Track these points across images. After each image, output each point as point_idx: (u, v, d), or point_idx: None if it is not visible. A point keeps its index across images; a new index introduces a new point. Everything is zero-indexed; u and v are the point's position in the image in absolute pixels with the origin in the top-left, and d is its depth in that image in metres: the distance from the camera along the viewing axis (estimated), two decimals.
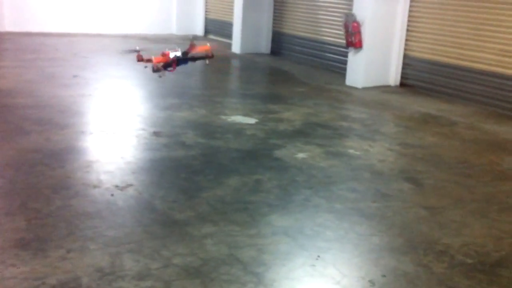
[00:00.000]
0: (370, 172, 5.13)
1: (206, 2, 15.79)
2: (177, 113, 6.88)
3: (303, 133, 6.31)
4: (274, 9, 12.87)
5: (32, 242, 3.45)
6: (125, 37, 14.40)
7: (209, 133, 6.12)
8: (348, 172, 5.12)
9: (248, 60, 11.98)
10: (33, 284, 2.99)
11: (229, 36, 13.67)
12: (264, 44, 13.00)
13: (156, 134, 5.95)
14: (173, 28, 15.80)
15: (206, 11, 15.82)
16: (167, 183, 4.61)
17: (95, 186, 4.41)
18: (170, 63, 5.20)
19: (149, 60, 5.36)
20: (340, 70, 10.35)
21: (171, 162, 5.12)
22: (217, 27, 15.34)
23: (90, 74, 9.07)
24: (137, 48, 5.61)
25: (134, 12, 15.17)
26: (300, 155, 5.49)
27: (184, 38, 14.90)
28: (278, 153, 5.53)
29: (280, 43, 12.81)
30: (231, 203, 4.24)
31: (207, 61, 5.24)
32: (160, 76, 5.02)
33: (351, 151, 5.75)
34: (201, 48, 5.38)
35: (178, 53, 5.19)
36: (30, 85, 8.01)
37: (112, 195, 4.26)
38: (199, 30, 15.89)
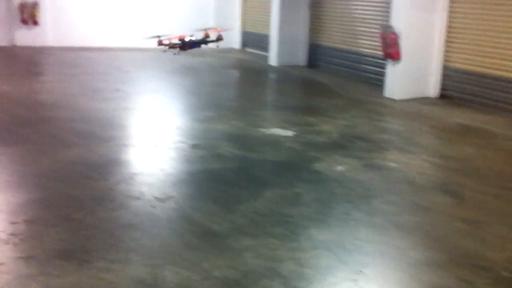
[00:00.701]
0: (410, 185, 5.08)
1: (243, 15, 15.93)
2: (214, 126, 6.96)
3: (341, 146, 6.29)
4: (311, 21, 12.89)
5: (76, 253, 3.53)
6: (163, 51, 14.62)
7: (247, 146, 6.16)
8: (387, 185, 5.08)
9: (285, 73, 12.02)
10: None
11: (265, 48, 13.74)
12: (301, 57, 13.02)
13: (194, 146, 6.02)
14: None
15: (243, 24, 15.96)
16: (206, 195, 4.66)
17: (136, 198, 4.49)
18: (184, 44, 5.56)
19: (166, 43, 5.74)
20: (377, 82, 10.28)
21: (209, 175, 5.17)
22: (254, 40, 15.44)
23: (131, 88, 9.26)
24: (159, 35, 5.98)
25: (172, 26, 15.36)
26: (339, 168, 5.47)
27: (219, 51, 15.08)
28: (316, 166, 5.53)
29: (316, 55, 12.81)
30: (270, 216, 4.25)
31: (217, 45, 5.51)
32: (174, 54, 5.33)
33: (390, 164, 5.70)
34: (213, 30, 5.71)
35: (193, 38, 5.56)
36: (73, 98, 8.23)
37: (153, 207, 4.33)
38: (236, 43, 16.02)
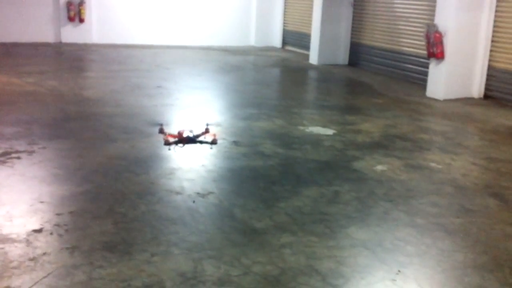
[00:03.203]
0: (453, 187, 4.99)
1: (284, 14, 15.92)
2: (255, 123, 6.99)
3: (382, 145, 6.23)
4: (353, 20, 12.80)
5: (118, 245, 3.61)
6: (206, 49, 14.77)
7: (287, 144, 6.17)
8: (429, 186, 5.01)
9: (326, 71, 11.97)
10: (119, 285, 3.13)
11: (306, 47, 13.71)
12: (342, 55, 12.94)
13: (235, 143, 6.06)
14: (252, 40, 16.05)
15: (284, 23, 15.96)
16: (246, 192, 4.69)
17: (177, 193, 4.56)
18: (181, 140, 5.77)
19: (163, 133, 5.98)
20: (420, 81, 10.13)
21: (250, 172, 5.20)
22: (295, 39, 15.43)
23: (173, 85, 9.38)
24: (162, 123, 6.22)
25: (214, 24, 15.54)
26: (379, 167, 5.42)
27: (260, 50, 15.10)
28: (356, 164, 5.49)
29: (358, 54, 12.71)
30: (309, 214, 4.25)
31: (211, 147, 5.68)
32: (169, 149, 5.53)
33: (432, 164, 5.62)
34: (211, 134, 5.94)
35: (191, 134, 5.75)
36: (116, 95, 8.39)
37: (193, 202, 4.39)
38: (277, 41, 16.04)
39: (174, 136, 6.02)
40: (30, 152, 5.40)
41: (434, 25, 9.06)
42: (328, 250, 3.64)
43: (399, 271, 3.40)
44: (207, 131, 6.17)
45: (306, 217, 4.19)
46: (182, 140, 5.94)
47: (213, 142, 6.00)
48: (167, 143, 5.90)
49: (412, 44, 10.71)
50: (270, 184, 4.88)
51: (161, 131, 6.16)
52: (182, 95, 8.60)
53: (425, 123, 7.51)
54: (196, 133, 6.08)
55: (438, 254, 3.66)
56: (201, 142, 6.02)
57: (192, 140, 5.98)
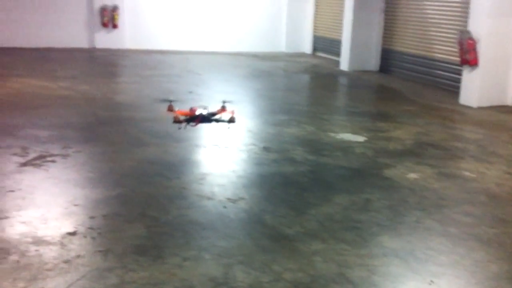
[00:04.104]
0: (487, 196, 4.91)
1: (314, 20, 15.91)
2: (286, 129, 6.99)
3: (414, 153, 6.16)
4: (384, 25, 12.71)
5: (150, 248, 3.65)
6: (236, 54, 14.84)
7: (318, 150, 6.15)
8: (462, 195, 4.93)
9: (356, 78, 11.90)
10: None
11: (337, 53, 13.67)
12: (373, 62, 12.86)
13: (266, 149, 6.07)
14: (283, 46, 16.06)
15: (314, 29, 15.93)
16: (276, 198, 4.69)
17: (208, 198, 4.59)
18: (193, 118, 5.36)
19: (172, 111, 5.57)
20: (452, 88, 9.99)
21: (280, 178, 5.20)
22: (325, 45, 15.39)
23: (203, 90, 9.45)
24: (171, 98, 5.84)
25: (245, 30, 15.61)
26: (411, 176, 5.36)
27: (290, 56, 15.10)
28: (388, 172, 5.44)
29: (389, 60, 12.61)
30: (340, 221, 4.23)
31: (228, 126, 5.40)
32: (179, 128, 5.24)
33: (465, 173, 5.53)
34: (229, 112, 5.57)
35: (205, 112, 5.35)
36: (148, 99, 8.49)
37: (224, 207, 4.41)
38: (307, 47, 16.02)
39: (185, 114, 5.65)
40: (65, 156, 5.50)
41: (467, 32, 8.94)
42: (359, 258, 3.62)
43: (432, 281, 3.36)
44: (223, 109, 5.78)
45: (337, 224, 4.17)
46: (195, 118, 5.56)
47: (231, 120, 5.63)
48: (177, 120, 5.55)
49: (445, 50, 10.58)
50: (300, 191, 4.87)
51: (170, 109, 5.73)
52: (213, 101, 8.62)
53: (458, 131, 7.41)
54: (211, 111, 5.64)
55: (472, 265, 3.60)
56: (217, 120, 5.68)
57: (206, 119, 5.58)
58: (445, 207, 4.59)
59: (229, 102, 5.99)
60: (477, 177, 5.42)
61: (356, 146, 6.38)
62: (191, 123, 5.55)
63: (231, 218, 4.21)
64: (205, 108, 5.65)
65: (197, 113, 5.55)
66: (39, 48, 13.52)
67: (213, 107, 5.85)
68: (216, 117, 5.62)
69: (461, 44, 8.97)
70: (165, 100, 6.08)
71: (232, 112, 5.75)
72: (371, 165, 5.68)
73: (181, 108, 5.86)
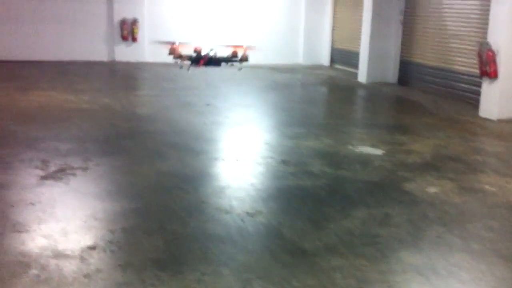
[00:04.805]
0: (508, 210, 4.84)
1: (332, 32, 15.91)
2: (303, 142, 6.97)
3: (434, 166, 6.11)
4: (402, 37, 12.66)
5: (169, 263, 3.65)
6: (254, 67, 14.86)
7: (336, 163, 6.13)
8: (484, 209, 4.87)
9: (375, 90, 11.86)
10: None
11: (355, 65, 13.64)
12: (391, 73, 12.80)
13: (284, 162, 6.06)
14: (300, 58, 16.08)
15: (332, 41, 15.93)
16: (295, 211, 4.68)
17: (227, 212, 4.59)
18: (198, 58, 4.90)
19: (173, 48, 5.09)
20: (472, 100, 9.90)
21: (298, 191, 5.19)
22: (343, 57, 15.37)
23: (221, 103, 9.48)
24: (175, 41, 5.36)
25: (263, 43, 15.64)
26: (431, 190, 5.31)
27: (308, 68, 15.10)
28: (407, 186, 5.40)
29: (408, 72, 12.55)
30: (359, 236, 4.20)
31: (240, 67, 4.94)
32: (180, 67, 4.73)
33: (486, 187, 5.47)
34: (239, 47, 5.07)
35: (212, 53, 4.91)
36: (166, 112, 8.55)
37: (242, 221, 4.40)
38: (325, 59, 16.02)
39: (179, 48, 5.08)
40: (85, 169, 5.55)
41: (487, 43, 8.87)
42: (379, 274, 3.58)
43: None
44: (234, 54, 5.42)
45: (356, 239, 4.14)
46: (200, 58, 5.19)
47: (243, 59, 5.24)
48: (177, 56, 5.11)
49: (464, 62, 10.50)
50: (319, 204, 4.86)
51: (173, 52, 5.25)
52: (230, 113, 8.67)
53: (479, 143, 7.34)
54: (219, 54, 5.20)
55: (494, 281, 3.54)
56: (227, 61, 5.32)
57: (214, 61, 5.20)
58: (466, 222, 4.54)
59: (242, 44, 5.47)
60: (498, 191, 5.35)
61: (374, 159, 6.34)
62: (194, 64, 5.11)
63: (249, 232, 4.20)
64: (211, 50, 5.24)
65: (203, 53, 5.14)
66: (60, 62, 13.70)
67: (222, 51, 5.26)
68: (225, 57, 5.17)
69: (480, 56, 8.91)
70: (164, 42, 5.58)
71: (245, 49, 5.32)
72: (390, 179, 5.64)
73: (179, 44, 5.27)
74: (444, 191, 5.28)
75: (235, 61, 4.88)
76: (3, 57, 13.32)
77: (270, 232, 4.24)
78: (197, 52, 4.83)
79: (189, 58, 4.66)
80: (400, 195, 5.15)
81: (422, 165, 6.14)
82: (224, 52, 4.96)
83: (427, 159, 6.39)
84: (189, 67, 4.75)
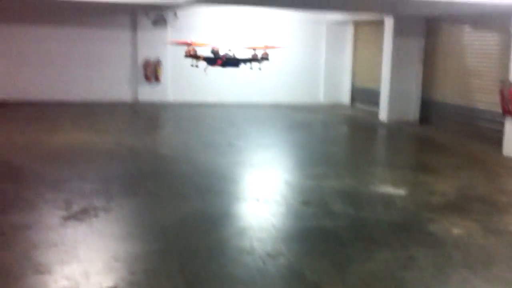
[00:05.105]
0: None
1: (352, 71, 16.01)
2: (325, 182, 6.95)
3: (458, 207, 6.02)
4: (423, 76, 12.68)
5: None
6: (276, 106, 14.99)
7: (358, 204, 6.09)
8: (509, 251, 4.77)
9: (396, 128, 11.83)
10: None
11: (375, 104, 13.65)
12: (413, 112, 12.77)
13: (305, 203, 6.04)
14: (321, 97, 16.16)
15: (352, 80, 16.02)
16: (317, 253, 4.64)
17: (248, 253, 4.56)
18: (216, 58, 4.81)
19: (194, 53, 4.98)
20: (495, 139, 9.80)
21: (320, 232, 5.15)
22: (363, 95, 15.41)
23: (243, 143, 9.54)
24: (189, 41, 5.21)
25: (284, 82, 15.80)
26: (456, 231, 5.23)
27: (328, 107, 15.16)
28: (431, 227, 5.32)
29: (429, 110, 12.51)
30: (383, 279, 4.13)
31: (260, 67, 4.85)
32: (192, 65, 4.60)
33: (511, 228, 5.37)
34: (260, 48, 4.95)
35: (230, 53, 4.83)
36: (189, 152, 8.62)
37: (264, 262, 4.37)
38: (345, 98, 16.09)
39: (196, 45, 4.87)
40: (107, 210, 5.59)
41: (509, 82, 8.83)
42: None
43: None
44: (254, 57, 5.32)
45: (380, 282, 4.08)
46: (217, 59, 5.08)
47: (264, 58, 5.14)
48: (191, 55, 4.97)
49: (486, 101, 10.45)
50: (341, 246, 4.81)
51: (190, 54, 5.06)
52: (252, 153, 8.72)
53: (503, 183, 7.23)
54: (238, 55, 5.05)
55: None
56: (245, 62, 5.21)
57: (232, 62, 5.10)
58: (492, 265, 4.44)
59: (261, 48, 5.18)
60: None
61: (397, 199, 6.28)
62: (210, 64, 5.02)
63: (271, 274, 4.17)
64: (229, 50, 5.15)
65: (221, 53, 5.06)
66: (85, 102, 13.97)
67: (241, 53, 5.07)
68: (244, 58, 5.07)
69: (502, 94, 8.86)
70: (180, 43, 5.45)
71: (266, 47, 5.24)
72: (414, 220, 5.57)
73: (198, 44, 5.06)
74: (468, 232, 5.20)
75: (255, 61, 4.75)
76: (30, 98, 13.66)
77: (292, 274, 4.21)
78: (215, 52, 4.72)
79: (206, 58, 4.54)
80: (424, 237, 5.08)
81: (446, 206, 6.06)
82: (243, 54, 4.84)
83: (451, 200, 6.32)
84: (206, 67, 4.65)
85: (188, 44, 4.80)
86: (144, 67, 14.59)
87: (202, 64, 4.81)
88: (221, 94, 15.26)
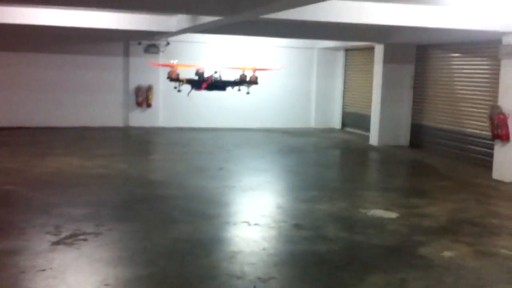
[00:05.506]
0: None
1: (343, 96, 16.14)
2: (317, 206, 6.94)
3: (449, 230, 6.03)
4: (413, 101, 12.80)
5: None
6: (267, 131, 15.04)
7: (350, 227, 6.08)
8: (501, 274, 4.76)
9: (387, 153, 11.88)
10: None
11: (366, 128, 13.74)
12: (403, 136, 12.86)
13: (297, 226, 6.02)
14: (312, 122, 16.25)
15: (343, 105, 16.14)
16: (309, 277, 4.60)
17: (238, 277, 4.53)
18: (199, 81, 4.60)
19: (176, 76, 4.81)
20: (485, 163, 9.87)
21: (313, 256, 5.12)
22: (354, 120, 15.52)
23: (234, 167, 9.54)
24: (172, 61, 5.04)
25: (275, 107, 15.88)
26: (447, 254, 5.22)
27: (320, 131, 15.22)
28: (422, 250, 5.31)
29: (419, 135, 12.60)
30: None
31: (248, 91, 4.69)
32: (175, 88, 4.40)
33: (503, 251, 5.36)
34: (248, 69, 4.80)
35: (217, 75, 4.61)
36: (179, 177, 8.60)
37: (255, 287, 4.33)
38: (336, 123, 16.18)
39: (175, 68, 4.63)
40: (97, 234, 5.54)
41: (498, 107, 8.93)
42: None
43: None
44: (243, 77, 5.04)
45: None
46: (203, 81, 4.86)
47: (251, 81, 4.83)
48: (174, 78, 4.72)
49: (475, 125, 10.55)
50: (334, 270, 4.78)
51: (172, 76, 4.78)
52: (243, 177, 8.71)
53: (494, 206, 7.25)
54: (225, 77, 4.73)
55: None
56: (233, 85, 4.93)
57: (218, 85, 4.79)
58: (483, 287, 4.43)
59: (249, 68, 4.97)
60: None
61: (389, 223, 6.28)
62: (195, 88, 4.80)
63: None
64: (216, 72, 4.88)
65: (205, 75, 4.80)
66: (76, 127, 13.96)
67: (228, 74, 4.65)
68: (232, 81, 4.80)
69: (492, 119, 8.95)
70: (164, 64, 5.16)
71: (254, 70, 5.04)
72: (405, 243, 5.56)
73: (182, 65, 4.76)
74: (460, 255, 5.19)
75: (242, 84, 4.48)
76: (22, 123, 13.66)
77: None
78: (199, 74, 4.46)
79: (190, 80, 4.26)
80: (416, 260, 5.06)
81: (437, 229, 6.06)
82: (231, 76, 4.54)
83: (442, 223, 6.32)
84: (190, 91, 4.36)
85: (171, 66, 4.61)
86: (136, 93, 14.64)
87: (186, 87, 4.56)
88: (211, 119, 15.31)
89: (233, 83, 4.57)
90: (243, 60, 14.94)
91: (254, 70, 4.47)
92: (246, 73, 4.57)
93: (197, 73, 4.50)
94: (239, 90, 4.59)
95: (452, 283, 4.51)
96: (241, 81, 4.67)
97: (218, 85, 4.55)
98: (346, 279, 4.55)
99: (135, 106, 14.69)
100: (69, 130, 13.54)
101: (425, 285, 4.44)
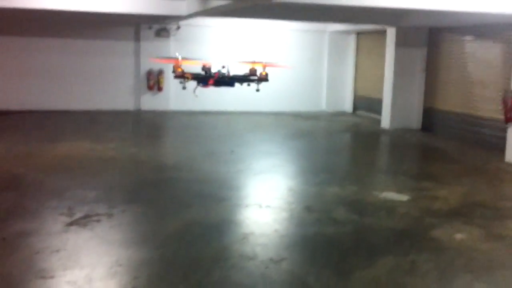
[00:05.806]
0: None
1: (355, 80, 16.05)
2: (328, 189, 6.95)
3: (460, 213, 6.02)
4: (426, 85, 12.70)
5: None
6: (278, 114, 15.01)
7: (361, 210, 6.08)
8: None
9: (398, 136, 11.83)
10: None
11: (378, 111, 13.67)
12: (415, 120, 12.78)
13: (308, 209, 6.04)
14: (323, 105, 16.19)
15: (355, 89, 16.06)
16: (320, 259, 4.63)
17: (250, 259, 4.56)
18: (206, 77, 4.38)
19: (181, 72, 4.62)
20: (497, 146, 9.80)
21: (323, 238, 5.15)
22: (366, 103, 15.44)
23: (245, 150, 9.56)
24: (177, 55, 4.81)
25: (286, 90, 15.82)
26: (458, 236, 5.22)
27: (331, 115, 15.18)
28: (434, 233, 5.31)
29: (431, 118, 12.52)
30: (386, 285, 4.13)
31: (258, 89, 4.53)
32: (180, 83, 4.24)
33: None
34: (259, 65, 4.57)
35: (224, 70, 4.39)
36: (191, 160, 8.63)
37: (266, 268, 4.37)
38: (347, 106, 16.11)
39: (178, 64, 4.40)
40: (110, 216, 5.60)
41: (511, 91, 8.84)
42: None
43: None
44: (253, 70, 4.87)
45: None
46: (209, 78, 4.64)
47: (261, 78, 4.64)
48: (179, 75, 4.54)
49: (488, 108, 10.46)
50: (344, 252, 4.80)
51: (177, 71, 4.59)
52: (254, 161, 8.72)
53: (505, 190, 7.22)
54: (234, 72, 4.57)
55: None
56: (241, 81, 4.82)
57: (226, 81, 4.61)
58: (494, 270, 4.43)
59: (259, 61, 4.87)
60: None
61: (399, 205, 6.28)
62: (201, 84, 4.65)
63: (273, 280, 4.17)
64: (223, 67, 4.65)
65: (212, 70, 4.61)
66: (88, 111, 14.02)
67: (237, 69, 4.45)
68: (241, 76, 4.58)
69: (505, 102, 8.87)
70: (167, 57, 4.94)
71: (264, 66, 4.83)
72: (416, 226, 5.57)
73: (189, 60, 4.55)
74: (471, 238, 5.19)
75: (252, 80, 4.27)
76: (33, 107, 13.74)
77: (295, 281, 4.20)
78: (206, 69, 4.29)
79: (196, 77, 4.06)
80: (427, 242, 5.07)
81: (449, 212, 6.06)
82: (239, 70, 4.32)
83: (454, 206, 6.31)
84: (196, 88, 4.17)
85: (175, 62, 4.39)
86: (147, 77, 14.66)
87: (192, 84, 4.41)
88: (223, 102, 15.28)
89: (242, 80, 4.34)
90: (253, 45, 14.92)
91: (264, 66, 4.23)
92: (255, 67, 4.37)
93: (203, 69, 4.29)
94: (248, 85, 4.36)
95: (463, 265, 4.51)
96: (251, 74, 4.45)
97: (225, 81, 4.33)
98: (356, 261, 4.57)
99: (146, 90, 14.72)
100: (80, 114, 13.60)
101: (436, 267, 4.45)
